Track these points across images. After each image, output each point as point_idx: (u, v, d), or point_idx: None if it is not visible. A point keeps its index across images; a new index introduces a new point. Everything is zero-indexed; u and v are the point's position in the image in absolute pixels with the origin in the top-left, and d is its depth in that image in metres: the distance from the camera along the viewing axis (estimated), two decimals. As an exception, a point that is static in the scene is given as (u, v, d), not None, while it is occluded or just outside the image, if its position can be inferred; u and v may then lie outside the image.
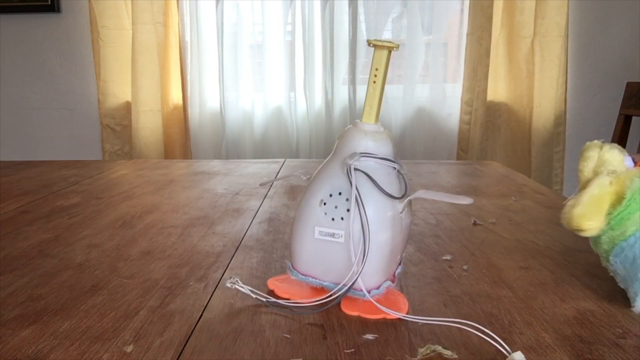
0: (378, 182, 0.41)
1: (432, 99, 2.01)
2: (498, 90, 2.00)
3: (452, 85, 2.05)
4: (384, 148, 0.43)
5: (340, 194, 0.42)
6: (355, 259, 0.40)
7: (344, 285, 0.41)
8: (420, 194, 0.43)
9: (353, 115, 2.00)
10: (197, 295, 0.46)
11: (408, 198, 0.43)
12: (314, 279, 0.44)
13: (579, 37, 1.98)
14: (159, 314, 0.42)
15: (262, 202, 0.80)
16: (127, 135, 2.09)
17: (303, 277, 0.44)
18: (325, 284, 0.43)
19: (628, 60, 1.97)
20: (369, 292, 0.41)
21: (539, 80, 1.92)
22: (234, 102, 2.03)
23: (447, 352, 0.35)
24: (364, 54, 1.99)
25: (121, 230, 0.66)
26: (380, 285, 0.42)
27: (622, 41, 1.97)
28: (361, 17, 1.97)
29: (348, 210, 0.41)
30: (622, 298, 0.45)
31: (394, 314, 0.41)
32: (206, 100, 2.05)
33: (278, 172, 1.05)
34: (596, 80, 2.01)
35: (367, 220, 0.40)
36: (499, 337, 0.36)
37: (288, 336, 0.38)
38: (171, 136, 2.09)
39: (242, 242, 0.61)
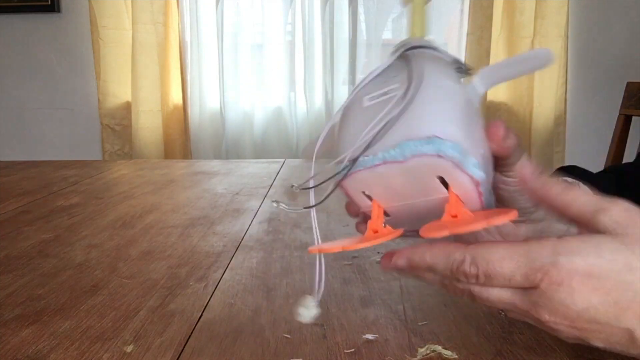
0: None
1: (432, 99, 2.01)
2: (498, 90, 1.99)
3: (452, 85, 2.05)
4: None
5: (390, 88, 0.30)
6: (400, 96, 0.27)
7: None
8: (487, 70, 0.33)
9: (353, 115, 2.00)
10: (197, 295, 0.46)
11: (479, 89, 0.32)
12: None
13: (579, 37, 1.98)
14: (159, 314, 0.42)
15: (262, 202, 0.80)
16: (127, 135, 2.09)
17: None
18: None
19: (628, 60, 1.97)
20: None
21: (539, 80, 1.92)
22: (234, 102, 2.03)
23: (447, 352, 0.35)
24: (364, 54, 1.99)
25: (121, 230, 0.66)
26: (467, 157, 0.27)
27: (622, 41, 1.97)
28: (361, 17, 1.97)
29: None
30: (622, 298, 0.45)
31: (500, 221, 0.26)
32: (206, 100, 2.05)
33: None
34: (596, 80, 2.01)
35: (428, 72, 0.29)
36: (499, 338, 0.36)
37: (288, 336, 0.38)
38: (171, 136, 2.09)
39: (242, 242, 0.61)
